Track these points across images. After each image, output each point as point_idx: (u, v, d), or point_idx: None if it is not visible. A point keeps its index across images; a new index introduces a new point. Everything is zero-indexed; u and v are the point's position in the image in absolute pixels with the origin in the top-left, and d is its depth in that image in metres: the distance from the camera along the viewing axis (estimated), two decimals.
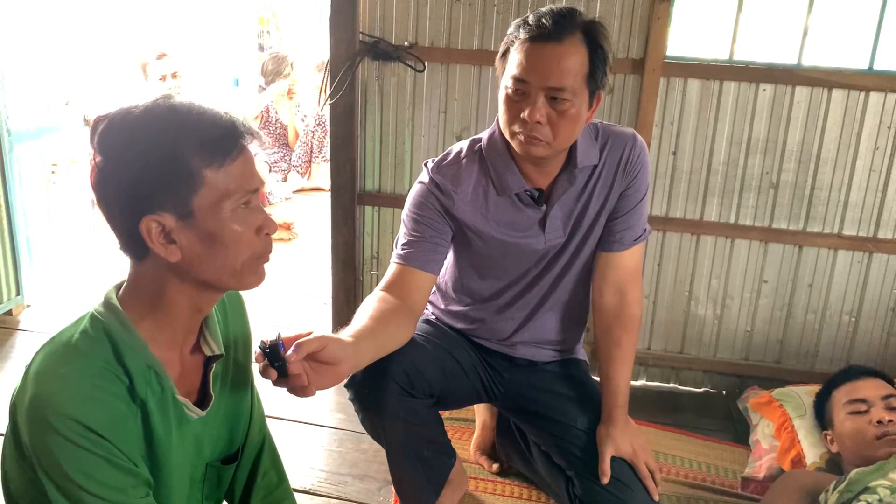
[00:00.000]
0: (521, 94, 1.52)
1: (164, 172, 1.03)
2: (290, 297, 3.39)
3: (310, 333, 1.29)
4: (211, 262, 1.09)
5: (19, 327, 2.96)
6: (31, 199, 3.36)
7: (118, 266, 1.18)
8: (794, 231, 2.53)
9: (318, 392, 1.29)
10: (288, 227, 4.04)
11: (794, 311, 2.61)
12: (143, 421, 1.12)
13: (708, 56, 2.44)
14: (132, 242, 1.09)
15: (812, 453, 2.08)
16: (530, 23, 1.51)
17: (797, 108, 2.42)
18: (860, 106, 2.39)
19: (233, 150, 1.07)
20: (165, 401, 1.14)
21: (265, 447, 1.42)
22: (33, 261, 3.33)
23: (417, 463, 1.74)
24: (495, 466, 2.15)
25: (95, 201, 1.11)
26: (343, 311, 2.78)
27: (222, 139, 1.06)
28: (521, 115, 1.52)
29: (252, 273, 1.14)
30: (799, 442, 2.12)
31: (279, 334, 1.24)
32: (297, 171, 5.21)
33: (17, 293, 3.00)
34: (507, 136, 1.59)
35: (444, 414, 1.80)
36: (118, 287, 1.17)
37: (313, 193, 5.09)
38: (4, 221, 2.88)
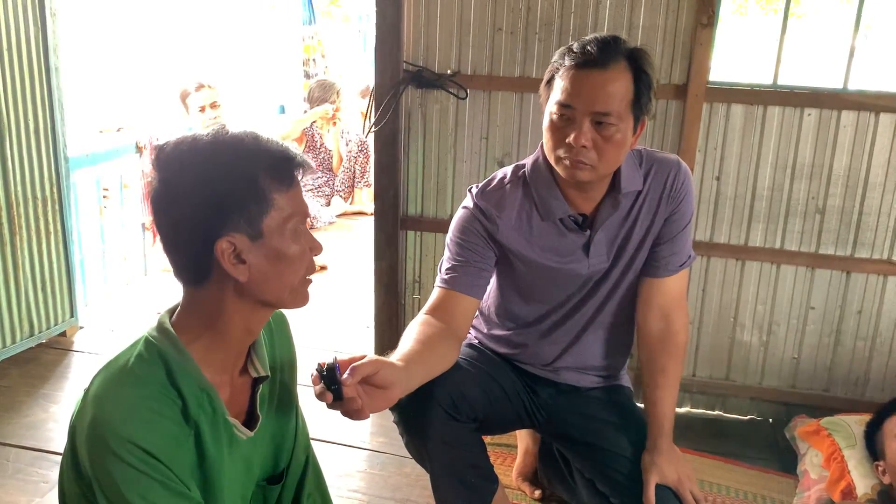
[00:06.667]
0: (566, 120, 1.54)
1: (239, 195, 1.09)
2: (332, 320, 3.42)
3: (364, 357, 1.31)
4: (275, 280, 1.15)
5: (73, 348, 3.04)
6: (85, 223, 3.47)
7: (167, 289, 1.23)
8: (841, 257, 2.49)
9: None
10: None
11: (843, 339, 2.56)
12: (196, 442, 1.15)
13: (751, 81, 2.43)
14: (197, 265, 1.13)
15: (863, 484, 2.03)
16: (575, 50, 1.53)
17: (843, 133, 2.39)
18: None
19: (295, 176, 1.15)
20: (217, 422, 1.18)
21: (309, 468, 1.44)
22: (87, 283, 3.44)
23: (461, 487, 1.74)
24: (537, 493, 2.15)
25: (158, 225, 1.16)
26: (385, 335, 2.81)
27: (287, 165, 1.14)
28: (567, 140, 1.54)
29: (304, 291, 1.22)
30: (849, 472, 2.07)
31: (335, 358, 1.28)
32: (340, 196, 5.29)
33: (72, 315, 3.09)
34: (552, 161, 1.61)
35: (487, 439, 1.81)
36: (171, 311, 1.21)
37: (356, 217, 5.18)
38: (61, 245, 2.97)
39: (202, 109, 4.07)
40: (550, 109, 1.57)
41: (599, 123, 1.52)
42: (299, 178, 1.16)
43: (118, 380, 1.12)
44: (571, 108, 1.53)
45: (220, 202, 1.09)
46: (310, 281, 1.22)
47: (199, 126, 3.95)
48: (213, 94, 4.12)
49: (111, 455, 1.05)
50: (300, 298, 1.21)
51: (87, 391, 1.14)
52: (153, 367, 1.13)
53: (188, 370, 1.14)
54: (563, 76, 1.55)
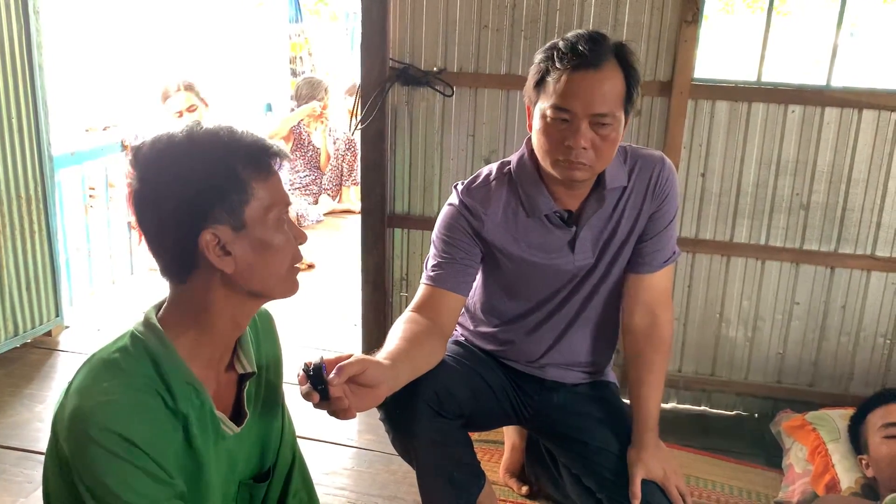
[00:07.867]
0: (563, 122, 1.53)
1: (219, 187, 1.10)
2: (320, 319, 3.42)
3: (350, 356, 1.31)
4: (262, 269, 1.16)
5: (58, 348, 3.02)
6: (70, 222, 3.45)
7: (153, 288, 1.22)
8: (825, 252, 2.50)
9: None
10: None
11: (828, 334, 2.58)
12: (185, 436, 1.15)
13: (736, 78, 2.44)
14: (181, 260, 1.13)
15: (847, 478, 2.04)
16: (564, 50, 1.52)
17: (827, 129, 2.41)
18: (892, 126, 2.37)
19: (272, 164, 1.16)
20: (204, 416, 1.18)
21: (296, 467, 1.44)
22: (72, 283, 3.42)
23: (447, 484, 1.74)
24: (524, 489, 2.15)
25: (141, 225, 1.16)
26: (373, 333, 2.81)
27: (263, 155, 1.15)
28: (566, 143, 1.53)
29: (292, 279, 1.22)
30: (833, 466, 2.09)
31: (321, 357, 1.27)
32: (328, 194, 5.28)
33: (57, 315, 3.07)
34: (547, 163, 1.60)
35: (473, 436, 1.81)
36: (157, 307, 1.21)
37: (344, 216, 5.17)
38: (45, 245, 2.95)
39: (179, 114, 3.90)
40: (545, 112, 1.55)
41: (597, 124, 1.52)
42: (276, 167, 1.17)
43: (102, 373, 1.11)
44: (568, 111, 1.52)
45: (200, 195, 1.09)
46: (297, 269, 1.23)
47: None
48: (191, 98, 3.94)
49: (93, 445, 1.05)
50: (289, 287, 1.22)
51: (70, 384, 1.13)
52: (139, 360, 1.13)
53: (175, 365, 1.14)
54: (556, 78, 1.53)
